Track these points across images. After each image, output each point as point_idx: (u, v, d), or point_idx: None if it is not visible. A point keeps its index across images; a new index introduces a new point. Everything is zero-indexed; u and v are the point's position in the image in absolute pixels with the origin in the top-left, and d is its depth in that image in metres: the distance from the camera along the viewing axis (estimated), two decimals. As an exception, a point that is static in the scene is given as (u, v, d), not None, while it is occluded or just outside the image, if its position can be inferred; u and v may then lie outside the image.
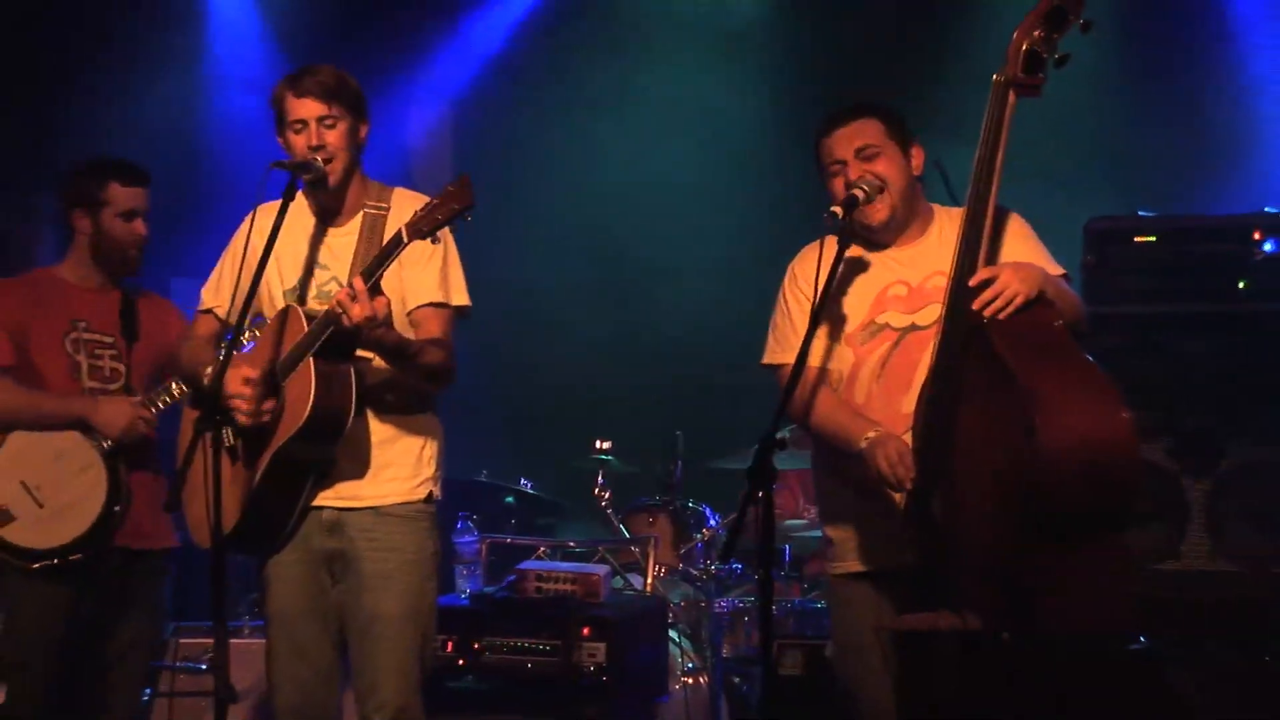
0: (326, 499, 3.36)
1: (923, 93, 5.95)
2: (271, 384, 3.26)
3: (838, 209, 3.16)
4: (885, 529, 3.17)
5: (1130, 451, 2.87)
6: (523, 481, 5.95)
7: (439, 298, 3.37)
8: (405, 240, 3.12)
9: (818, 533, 4.73)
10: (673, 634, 4.90)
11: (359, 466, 3.35)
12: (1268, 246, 4.43)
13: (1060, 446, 2.77)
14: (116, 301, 4.01)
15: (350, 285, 3.11)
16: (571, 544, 5.34)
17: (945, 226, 3.30)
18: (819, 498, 3.53)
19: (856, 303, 3.30)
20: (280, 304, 3.37)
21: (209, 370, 3.27)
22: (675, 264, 6.74)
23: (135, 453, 3.90)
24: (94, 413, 3.85)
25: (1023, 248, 3.22)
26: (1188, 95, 6.21)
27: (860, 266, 3.31)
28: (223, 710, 3.09)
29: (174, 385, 3.88)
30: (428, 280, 3.36)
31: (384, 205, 3.38)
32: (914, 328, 3.25)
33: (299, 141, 3.32)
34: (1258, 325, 4.44)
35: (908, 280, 3.29)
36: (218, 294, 3.48)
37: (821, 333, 3.27)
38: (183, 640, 4.71)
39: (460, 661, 4.36)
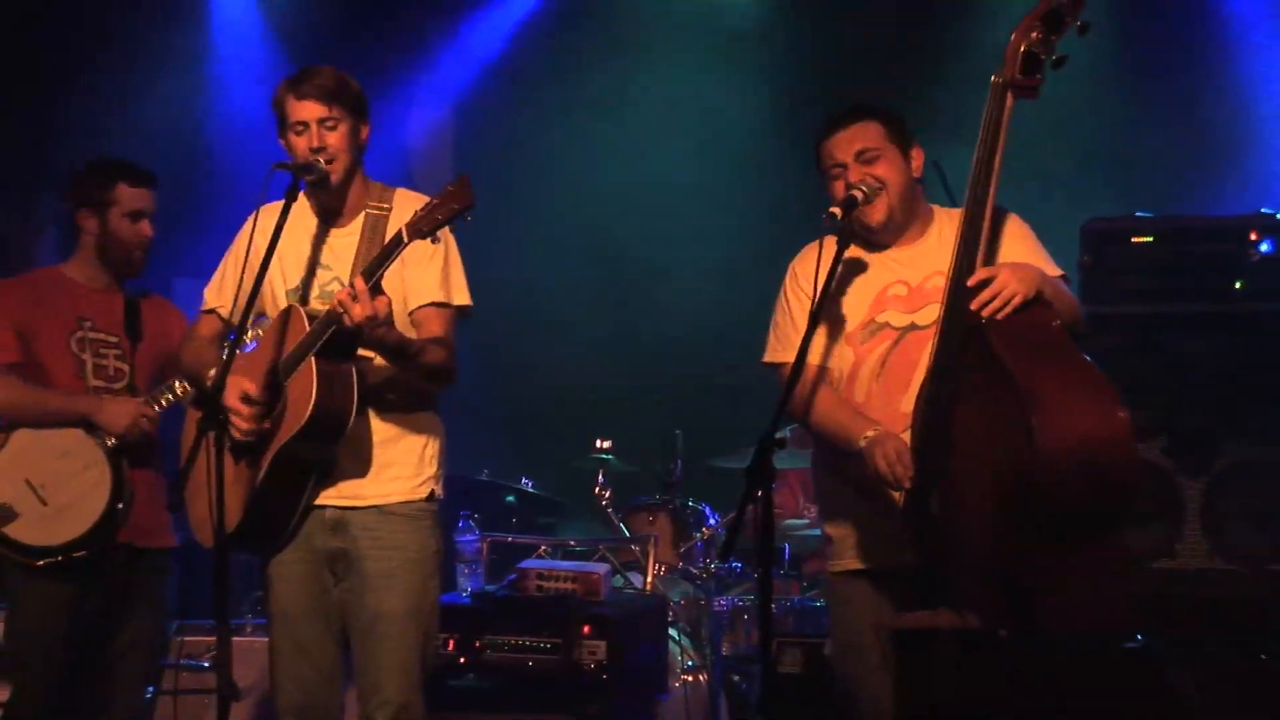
0: (329, 498, 3.36)
1: (922, 93, 5.96)
2: (274, 384, 3.27)
3: (836, 210, 3.17)
4: (885, 528, 3.17)
5: (1128, 451, 2.88)
6: (524, 480, 5.95)
7: (440, 297, 3.38)
8: (406, 240, 3.13)
9: (817, 531, 4.76)
10: (673, 632, 4.90)
11: (361, 465, 3.36)
12: (1264, 247, 4.44)
13: (1058, 446, 2.77)
14: (121, 301, 4.02)
15: (351, 285, 3.13)
16: (572, 543, 5.35)
17: (945, 227, 3.30)
18: (819, 496, 3.54)
19: (856, 302, 3.31)
20: (283, 304, 3.38)
21: (212, 372, 3.28)
22: (675, 264, 6.75)
23: (138, 451, 3.91)
24: (98, 411, 3.86)
25: (1021, 248, 3.23)
26: (1184, 96, 6.22)
27: (860, 266, 3.32)
28: (225, 708, 3.10)
29: (177, 384, 3.89)
30: (429, 280, 3.37)
31: (386, 206, 3.39)
32: (913, 327, 3.25)
33: (300, 143, 3.33)
34: (1254, 325, 4.44)
35: (907, 280, 3.30)
36: (220, 294, 3.49)
37: (822, 331, 3.27)
38: (186, 638, 4.71)
39: (462, 660, 4.36)
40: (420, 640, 3.37)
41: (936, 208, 3.41)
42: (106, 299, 4.01)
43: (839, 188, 3.26)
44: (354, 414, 3.25)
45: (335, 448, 3.30)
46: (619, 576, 5.08)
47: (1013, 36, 3.02)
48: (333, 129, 3.33)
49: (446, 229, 3.22)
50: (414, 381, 3.36)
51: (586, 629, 4.32)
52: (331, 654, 3.40)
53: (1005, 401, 2.86)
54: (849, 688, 3.34)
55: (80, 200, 3.98)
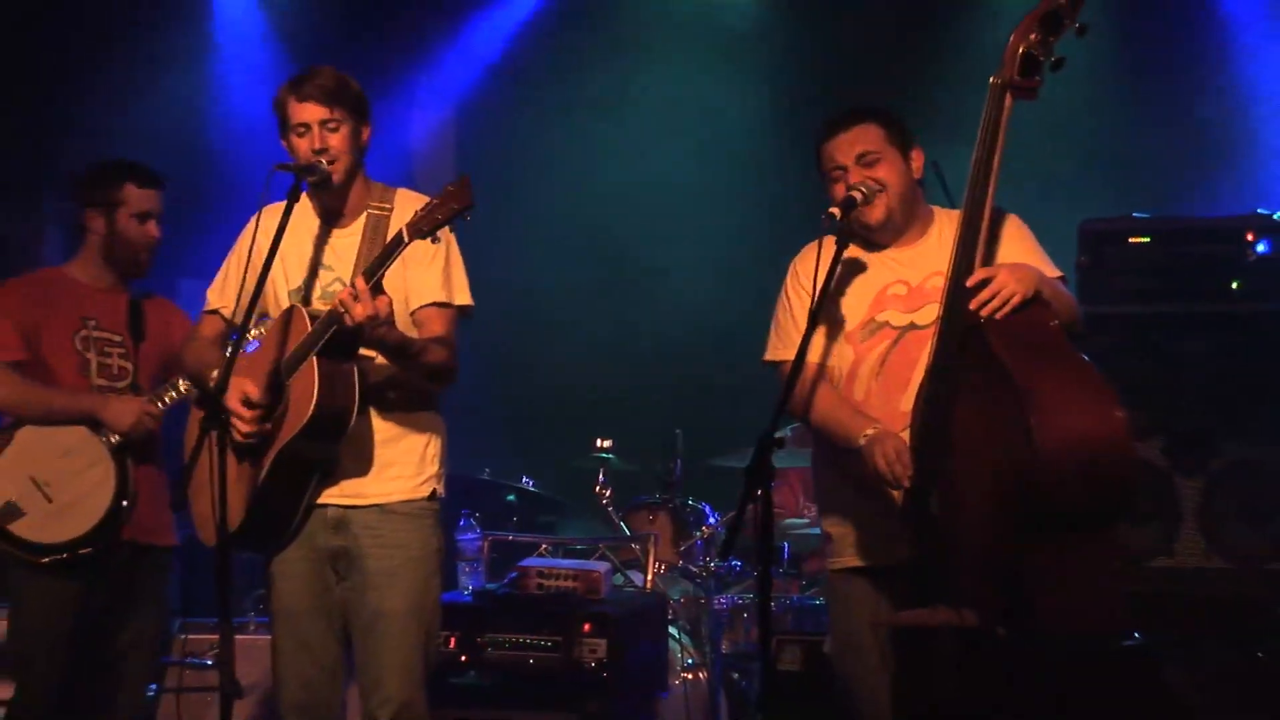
0: (331, 497, 3.37)
1: (921, 93, 5.97)
2: (276, 384, 3.28)
3: (835, 210, 3.18)
4: (884, 526, 3.18)
5: (1126, 450, 2.89)
6: (524, 480, 5.96)
7: (442, 297, 3.39)
8: (406, 240, 3.14)
9: (816, 530, 4.76)
10: (673, 630, 4.91)
11: (363, 464, 3.37)
12: (1261, 247, 4.46)
13: (1057, 446, 2.78)
14: (125, 301, 4.04)
15: (352, 285, 3.14)
16: (573, 541, 5.37)
17: (945, 228, 3.31)
18: (818, 494, 3.54)
19: (857, 301, 3.32)
20: (285, 304, 3.39)
21: (215, 372, 3.30)
22: (675, 264, 6.75)
23: (141, 449, 3.92)
24: (102, 409, 3.88)
25: (1020, 249, 3.24)
26: (1181, 97, 6.22)
27: (861, 266, 3.33)
28: (228, 705, 3.12)
29: (180, 382, 3.91)
30: (431, 280, 3.38)
31: (387, 206, 3.40)
32: (913, 326, 3.26)
33: (302, 145, 3.34)
34: (1251, 325, 4.46)
35: (907, 280, 3.31)
36: (223, 295, 3.50)
37: (822, 330, 3.28)
38: (189, 636, 4.71)
39: (463, 657, 4.36)
40: (422, 638, 3.38)
41: (936, 209, 3.41)
42: (111, 298, 4.03)
43: (839, 190, 3.27)
44: (355, 413, 3.26)
45: (337, 447, 3.31)
46: (619, 575, 5.08)
47: (1011, 38, 3.03)
48: (334, 130, 3.34)
49: (448, 229, 3.24)
50: (415, 381, 3.37)
51: (587, 627, 4.32)
52: (334, 652, 3.41)
53: (1004, 401, 2.86)
54: (848, 685, 3.34)
55: (88, 200, 3.99)
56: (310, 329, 3.25)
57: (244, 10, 6.86)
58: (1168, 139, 6.12)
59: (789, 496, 5.98)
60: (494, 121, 7.16)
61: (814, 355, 3.29)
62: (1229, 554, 4.43)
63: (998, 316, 3.00)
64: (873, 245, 3.35)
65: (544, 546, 5.15)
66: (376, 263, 3.19)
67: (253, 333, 3.55)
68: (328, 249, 3.43)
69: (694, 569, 5.33)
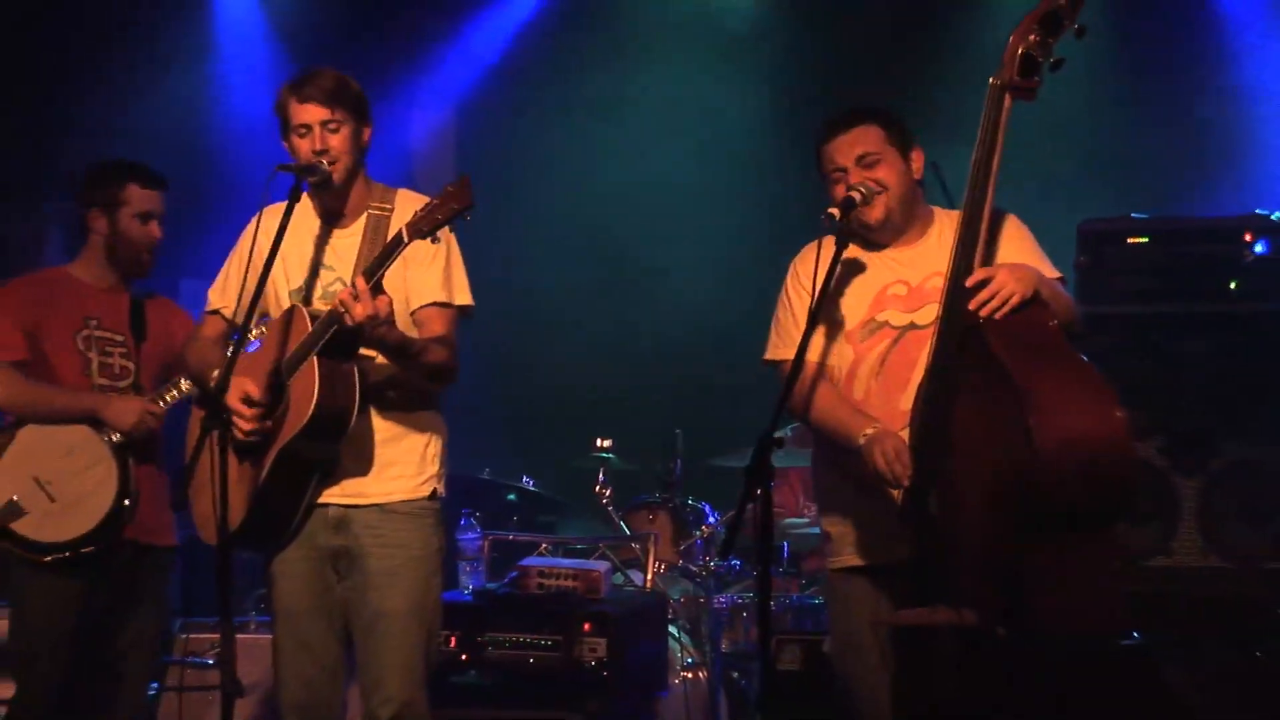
0: (332, 496, 3.38)
1: (920, 94, 5.98)
2: (276, 385, 3.29)
3: (835, 210, 3.18)
4: (884, 525, 3.18)
5: (1126, 449, 2.89)
6: (525, 479, 5.97)
7: (442, 297, 3.40)
8: (406, 240, 3.15)
9: (816, 530, 4.77)
10: (672, 629, 4.92)
11: (363, 464, 3.37)
12: (1259, 248, 4.47)
13: (1056, 446, 2.78)
14: (127, 301, 4.05)
15: (353, 285, 3.15)
16: (573, 541, 5.38)
17: (945, 229, 3.31)
18: (818, 493, 3.55)
19: (857, 300, 3.32)
20: (286, 304, 3.40)
21: (216, 371, 3.31)
22: (675, 264, 6.76)
23: (142, 448, 3.93)
24: (104, 408, 3.89)
25: (1019, 249, 3.25)
26: (1180, 98, 6.23)
27: (861, 266, 3.33)
28: (229, 704, 3.13)
29: (182, 382, 3.92)
30: (431, 280, 3.39)
31: (388, 206, 3.41)
32: (913, 326, 3.27)
33: (303, 146, 3.35)
34: (1249, 325, 4.47)
35: (907, 280, 3.31)
36: (224, 295, 3.51)
37: (822, 329, 3.29)
38: (190, 635, 4.72)
39: (464, 656, 4.37)
40: (423, 637, 3.38)
41: (937, 209, 3.42)
42: (113, 298, 4.04)
43: (840, 191, 3.27)
44: (356, 413, 3.26)
45: (337, 446, 3.32)
46: (619, 574, 5.09)
47: (1011, 39, 3.04)
48: (335, 131, 3.35)
49: (448, 229, 3.24)
50: (416, 381, 3.37)
51: (587, 626, 4.33)
52: (334, 651, 3.42)
53: (1003, 401, 2.87)
54: (848, 685, 3.35)
55: (91, 200, 4.00)
56: (311, 329, 3.26)
57: (245, 10, 6.87)
58: (1166, 139, 6.12)
59: (789, 496, 5.99)
60: (494, 122, 7.16)
61: (814, 354, 3.30)
62: (1227, 553, 4.45)
63: (997, 316, 3.00)
64: (872, 245, 3.35)
65: (544, 546, 5.16)
66: (376, 262, 3.19)
67: (254, 333, 3.56)
68: (328, 249, 3.43)
69: (694, 568, 5.34)
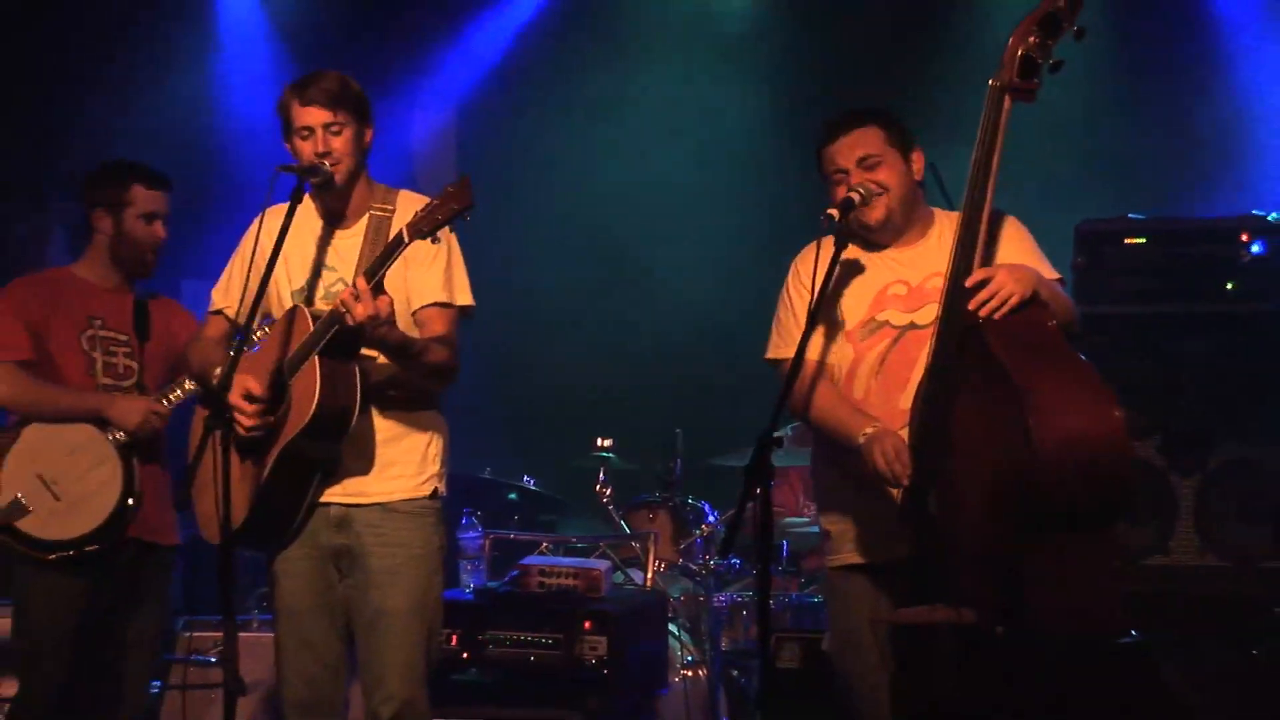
0: (334, 495, 3.39)
1: (919, 94, 5.99)
2: (278, 384, 3.30)
3: (834, 211, 3.19)
4: (883, 523, 3.19)
5: (1125, 449, 2.90)
6: (525, 478, 5.98)
7: (443, 298, 3.41)
8: (406, 240, 3.16)
9: (815, 529, 4.78)
10: (672, 628, 4.93)
11: (365, 463, 3.38)
12: (1255, 248, 4.49)
13: (1056, 446, 2.79)
14: (131, 301, 4.06)
15: (354, 285, 3.16)
16: (573, 540, 5.39)
17: (945, 230, 3.32)
18: (818, 492, 3.55)
19: (857, 300, 3.33)
20: (288, 305, 3.41)
21: (218, 370, 3.32)
22: (676, 264, 6.76)
23: (146, 448, 3.95)
24: (109, 407, 3.90)
25: (1018, 250, 3.25)
26: (1178, 99, 6.23)
27: (862, 266, 3.34)
28: (232, 702, 3.13)
29: (186, 382, 3.92)
30: (432, 281, 3.40)
31: (389, 207, 3.42)
32: (913, 326, 3.27)
33: (306, 148, 3.36)
34: (1245, 325, 4.49)
35: (907, 280, 3.32)
36: (227, 295, 3.52)
37: (823, 328, 3.30)
38: (193, 634, 4.74)
39: (465, 655, 4.38)
40: (424, 636, 3.39)
41: (937, 210, 3.43)
42: (117, 298, 4.05)
43: (841, 193, 3.28)
44: (357, 412, 3.27)
45: (339, 445, 3.33)
46: (619, 573, 5.10)
47: (1010, 40, 3.05)
48: (337, 133, 3.36)
49: (449, 230, 3.26)
50: (417, 380, 3.38)
51: (587, 625, 4.34)
52: (336, 649, 3.43)
53: (1003, 401, 2.88)
54: (847, 683, 3.36)
55: (96, 200, 4.01)
56: (312, 329, 3.27)
57: (247, 10, 6.87)
58: (1164, 141, 6.14)
59: (789, 495, 6.00)
60: (495, 122, 7.17)
61: (814, 353, 3.31)
62: (1225, 552, 4.46)
63: (996, 317, 3.01)
64: (873, 245, 3.36)
65: (545, 545, 5.17)
66: (377, 263, 3.20)
67: (258, 334, 3.57)
68: (330, 250, 3.44)
69: (694, 567, 5.36)
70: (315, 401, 3.22)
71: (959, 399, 3.03)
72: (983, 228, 3.09)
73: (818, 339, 3.30)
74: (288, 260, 3.41)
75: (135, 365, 4.02)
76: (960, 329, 3.05)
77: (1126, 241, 4.58)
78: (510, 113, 7.14)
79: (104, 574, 3.89)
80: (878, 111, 3.36)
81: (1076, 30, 3.03)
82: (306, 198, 3.37)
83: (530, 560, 4.71)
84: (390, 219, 3.39)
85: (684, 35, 7.02)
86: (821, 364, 3.33)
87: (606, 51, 6.98)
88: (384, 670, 3.35)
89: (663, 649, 4.81)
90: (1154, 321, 4.56)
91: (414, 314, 3.41)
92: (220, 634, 3.18)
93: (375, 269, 3.19)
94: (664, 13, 7.04)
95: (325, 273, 3.44)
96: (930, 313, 3.21)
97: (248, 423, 3.26)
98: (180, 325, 4.10)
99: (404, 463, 3.43)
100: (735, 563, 5.47)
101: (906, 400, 3.18)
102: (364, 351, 3.31)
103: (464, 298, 3.45)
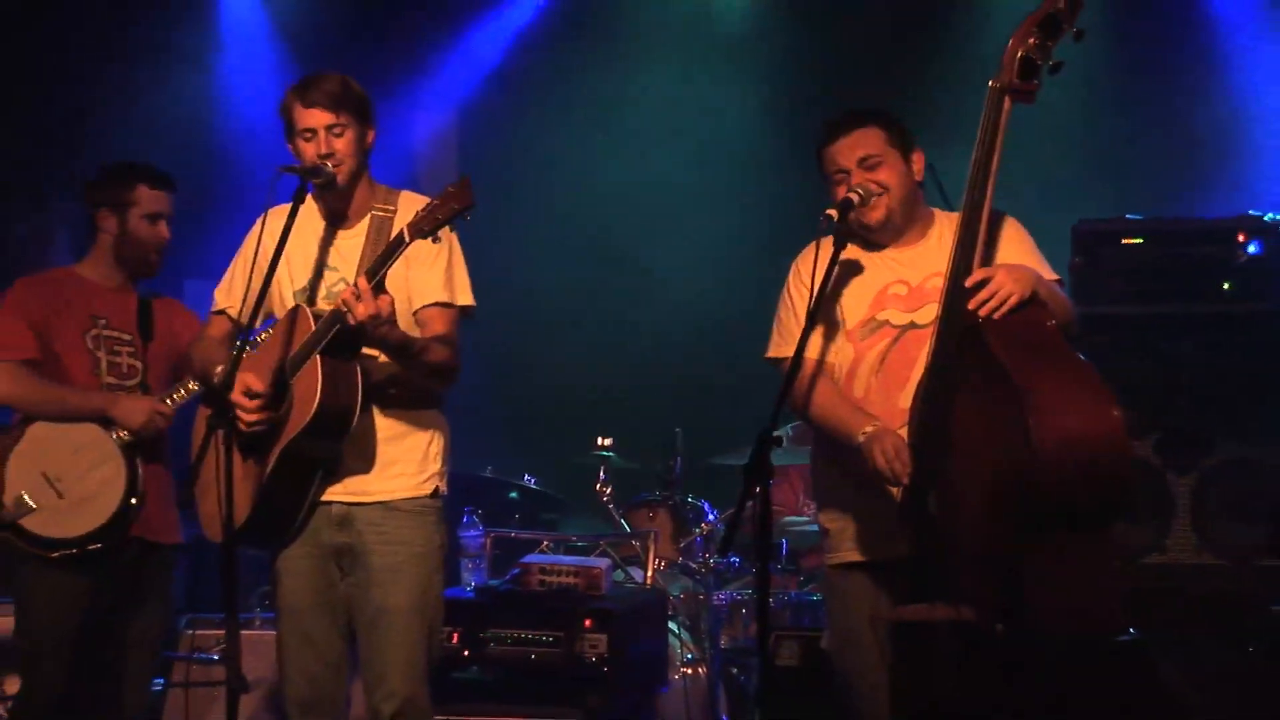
0: (335, 494, 3.40)
1: (919, 94, 6.00)
2: (280, 383, 3.32)
3: (833, 212, 3.20)
4: (883, 521, 3.20)
5: (1124, 448, 2.91)
6: (526, 477, 5.99)
7: (444, 298, 3.42)
8: (407, 240, 3.17)
9: (815, 527, 4.80)
10: (672, 626, 4.94)
11: (366, 462, 3.39)
12: (1251, 249, 4.50)
13: (1056, 445, 2.80)
14: (134, 301, 4.07)
15: (355, 285, 3.17)
16: (574, 538, 5.40)
17: (945, 230, 3.33)
18: (817, 491, 3.56)
19: (858, 300, 3.34)
20: (290, 304, 3.42)
21: (219, 368, 3.34)
22: (676, 264, 6.77)
23: (149, 448, 3.95)
24: (113, 406, 3.91)
25: (1018, 251, 3.26)
26: (1173, 100, 6.24)
27: (862, 265, 3.35)
28: (235, 700, 3.15)
29: (190, 382, 3.93)
30: (433, 281, 3.41)
31: (391, 208, 3.43)
32: (913, 326, 3.28)
33: (308, 149, 3.37)
34: (1242, 325, 4.50)
35: (908, 280, 3.33)
36: (230, 295, 3.53)
37: (824, 328, 3.31)
38: (196, 632, 4.75)
39: (465, 653, 4.38)
40: (425, 634, 3.40)
41: (937, 211, 3.43)
42: (120, 298, 4.06)
43: (842, 193, 3.28)
44: (359, 411, 3.28)
45: (340, 444, 3.34)
46: (620, 571, 5.11)
47: (1010, 42, 3.05)
48: (339, 135, 3.37)
49: (450, 230, 3.27)
50: (418, 380, 3.39)
51: (588, 623, 4.34)
52: (338, 647, 3.44)
53: (1002, 401, 2.88)
54: (847, 681, 3.36)
55: (100, 200, 4.02)
56: (314, 328, 3.28)
57: (249, 11, 6.88)
58: (1161, 141, 6.15)
59: (788, 494, 6.01)
60: (496, 124, 7.18)
61: (814, 352, 3.32)
62: (1221, 550, 4.47)
63: (996, 316, 3.02)
64: (873, 246, 3.37)
65: (545, 543, 5.18)
66: (378, 262, 3.22)
67: (262, 335, 3.58)
68: (332, 250, 3.46)
69: (693, 565, 5.37)
70: (317, 400, 3.23)
71: (959, 398, 3.03)
72: (982, 228, 3.10)
73: (818, 338, 3.31)
74: (290, 260, 3.42)
75: (139, 365, 4.03)
76: (960, 329, 3.06)
77: (1124, 242, 4.59)
78: (511, 113, 7.14)
79: (106, 573, 3.90)
80: (878, 112, 3.37)
81: (1076, 32, 3.03)
82: (309, 198, 3.39)
83: (531, 559, 4.72)
84: (392, 219, 3.39)
85: (684, 35, 7.03)
86: (821, 363, 3.34)
87: (606, 52, 6.99)
88: (385, 668, 3.36)
89: (663, 647, 4.82)
90: (1151, 321, 4.56)
91: (415, 314, 3.42)
92: (223, 632, 3.18)
93: (376, 268, 3.20)
94: (664, 13, 7.05)
95: (327, 273, 3.45)
96: (930, 312, 3.22)
97: (249, 418, 3.27)
98: (183, 325, 4.11)
99: (405, 461, 3.44)
100: (735, 561, 5.49)
101: (906, 399, 3.19)
102: (365, 351, 3.32)
103: (465, 298, 3.46)
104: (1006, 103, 3.06)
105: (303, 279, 3.45)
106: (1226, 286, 4.51)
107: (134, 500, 3.90)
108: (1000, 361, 2.92)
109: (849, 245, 3.27)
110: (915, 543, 3.11)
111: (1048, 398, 2.84)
